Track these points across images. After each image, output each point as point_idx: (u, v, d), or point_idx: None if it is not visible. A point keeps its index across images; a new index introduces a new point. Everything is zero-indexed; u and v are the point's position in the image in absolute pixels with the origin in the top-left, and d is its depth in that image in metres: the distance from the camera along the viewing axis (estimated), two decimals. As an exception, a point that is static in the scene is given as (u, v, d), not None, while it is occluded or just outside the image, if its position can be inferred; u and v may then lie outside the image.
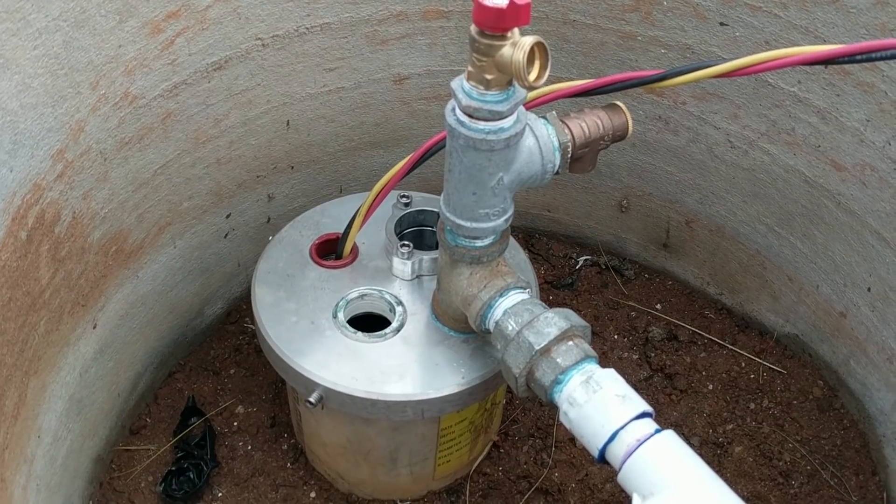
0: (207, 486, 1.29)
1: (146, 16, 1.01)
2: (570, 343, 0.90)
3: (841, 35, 1.11)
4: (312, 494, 1.30)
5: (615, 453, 0.83)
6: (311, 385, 1.03)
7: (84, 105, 0.98)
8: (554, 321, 0.90)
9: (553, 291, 1.60)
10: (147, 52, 1.04)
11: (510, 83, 0.81)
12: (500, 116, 0.82)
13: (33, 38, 0.86)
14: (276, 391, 1.42)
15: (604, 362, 0.92)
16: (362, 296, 1.12)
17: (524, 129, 0.86)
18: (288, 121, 1.32)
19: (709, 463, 0.82)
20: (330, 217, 1.22)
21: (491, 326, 0.97)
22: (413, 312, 1.11)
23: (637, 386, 1.43)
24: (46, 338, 1.05)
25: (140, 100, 1.07)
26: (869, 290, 1.29)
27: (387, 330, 1.08)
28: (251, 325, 1.51)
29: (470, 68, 0.80)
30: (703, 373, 1.47)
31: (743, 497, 0.79)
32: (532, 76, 0.77)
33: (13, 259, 0.93)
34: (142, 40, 1.02)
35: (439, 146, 0.99)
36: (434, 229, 1.21)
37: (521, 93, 0.83)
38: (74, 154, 1.00)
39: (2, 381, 0.95)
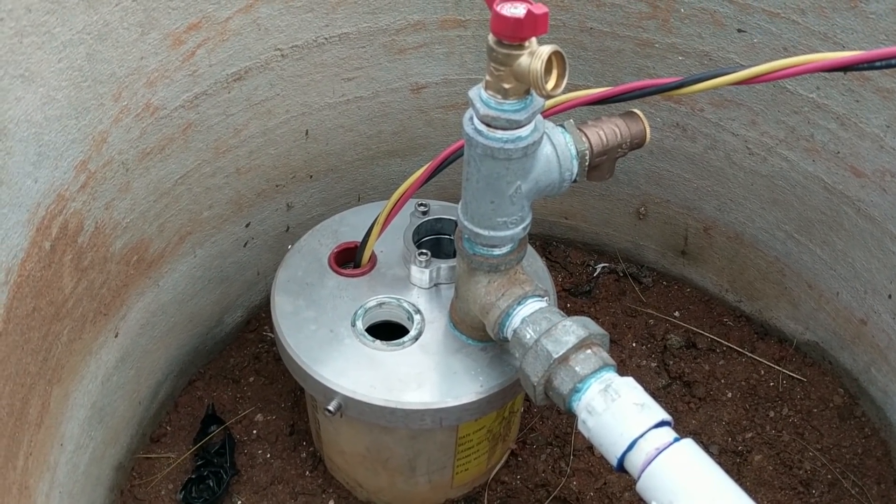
0: (227, 494, 1.30)
1: (168, 28, 1.02)
2: (589, 351, 0.90)
3: (860, 41, 1.11)
4: (331, 502, 1.31)
5: (634, 462, 0.83)
6: (329, 393, 1.04)
7: (107, 116, 0.99)
8: (572, 329, 0.90)
9: (571, 299, 1.60)
10: (168, 63, 1.05)
11: (528, 92, 0.82)
12: (518, 125, 0.83)
13: (58, 52, 0.87)
14: (295, 399, 1.43)
15: (622, 370, 0.92)
16: (380, 304, 1.13)
17: (542, 137, 0.87)
18: (307, 130, 1.33)
19: (728, 472, 0.82)
20: (348, 226, 1.23)
21: (509, 335, 0.97)
22: (431, 321, 1.11)
23: (655, 394, 1.43)
24: (69, 346, 1.06)
25: (161, 111, 1.08)
26: (890, 297, 1.28)
27: (405, 338, 1.09)
28: (270, 334, 1.52)
29: (488, 77, 0.81)
30: (722, 381, 1.47)
31: (763, 506, 0.79)
32: (550, 85, 0.77)
33: (37, 269, 0.94)
34: (163, 52, 1.03)
35: (457, 155, 0.99)
36: (452, 237, 1.21)
37: (538, 101, 0.83)
38: (97, 165, 1.01)
39: (26, 389, 0.96)
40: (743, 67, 0.83)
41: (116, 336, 1.19)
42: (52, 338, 1.01)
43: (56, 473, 1.07)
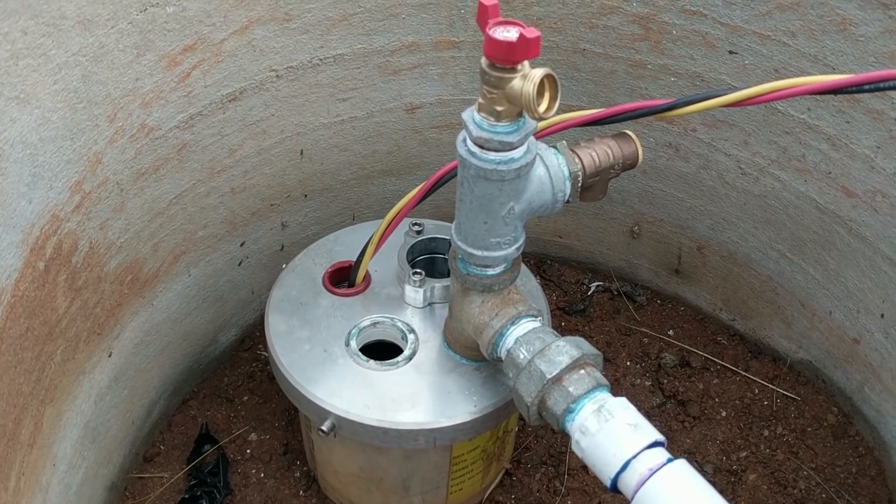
0: (220, 513, 1.30)
1: (163, 49, 1.03)
2: (582, 371, 0.90)
3: (850, 63, 1.12)
4: (325, 522, 1.30)
5: (627, 483, 0.83)
6: (323, 413, 1.04)
7: (102, 137, 1.00)
8: (565, 350, 0.90)
9: (565, 318, 1.60)
10: (164, 84, 1.06)
11: (521, 114, 0.82)
12: (511, 147, 0.83)
13: (53, 74, 0.88)
14: (288, 418, 1.42)
15: (616, 389, 0.92)
16: (374, 323, 1.13)
17: (535, 159, 0.87)
18: (301, 150, 1.34)
19: (722, 491, 0.82)
20: (343, 245, 1.23)
21: (503, 355, 0.97)
22: (425, 340, 1.11)
23: (650, 413, 1.43)
24: (62, 366, 1.06)
25: (156, 131, 1.09)
26: (882, 316, 1.29)
27: (399, 358, 1.09)
28: (264, 353, 1.52)
29: (480, 100, 0.81)
30: (717, 399, 1.47)
31: (757, 527, 0.79)
32: (542, 107, 0.78)
33: (31, 289, 0.94)
34: (158, 73, 1.04)
35: (451, 175, 1.00)
36: (446, 256, 1.21)
37: (531, 124, 0.84)
38: (92, 185, 1.02)
39: (18, 409, 0.96)
40: (735, 89, 0.83)
41: (110, 356, 1.19)
42: (45, 358, 1.01)
43: (48, 494, 1.06)
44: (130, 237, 1.13)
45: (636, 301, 1.63)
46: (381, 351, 1.12)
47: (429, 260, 1.23)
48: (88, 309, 1.09)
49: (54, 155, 0.93)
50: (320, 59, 1.24)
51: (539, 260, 1.70)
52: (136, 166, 1.08)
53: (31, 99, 0.86)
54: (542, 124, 0.94)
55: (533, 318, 0.98)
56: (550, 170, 0.90)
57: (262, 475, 1.35)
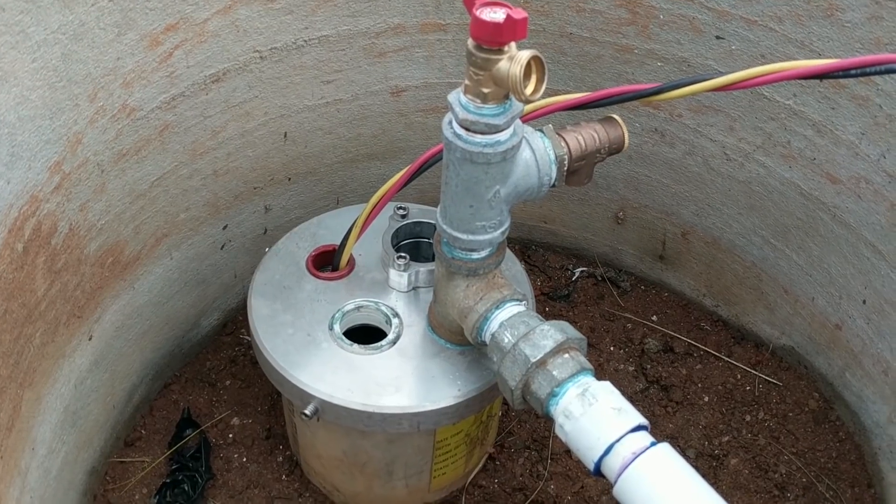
0: (202, 498, 1.29)
1: (145, 28, 1.01)
2: (566, 356, 0.90)
3: (836, 49, 1.12)
4: (308, 507, 1.30)
5: (611, 466, 0.83)
6: (306, 397, 1.03)
7: (82, 117, 0.98)
8: (550, 334, 0.90)
9: (549, 303, 1.60)
10: (145, 64, 1.04)
11: (507, 97, 0.82)
12: (497, 130, 0.82)
13: (32, 51, 0.86)
14: (271, 403, 1.42)
15: (600, 374, 0.92)
16: (358, 308, 1.12)
17: (521, 142, 0.87)
18: (285, 133, 1.32)
19: (704, 475, 0.82)
20: (327, 228, 1.22)
21: (487, 339, 0.97)
22: (409, 324, 1.11)
23: (633, 398, 1.43)
24: (42, 349, 1.05)
25: (138, 112, 1.07)
26: (864, 302, 1.30)
27: (383, 342, 1.08)
28: (247, 337, 1.51)
29: (467, 82, 0.81)
30: (699, 385, 1.48)
31: (739, 510, 0.79)
32: (528, 90, 0.77)
33: (9, 271, 0.93)
34: (140, 53, 1.02)
35: (436, 158, 0.99)
36: (431, 241, 1.21)
37: (517, 106, 0.83)
38: (72, 166, 1.00)
39: (-3, 392, 0.95)
40: (721, 74, 0.83)
41: (90, 339, 1.18)
42: (23, 340, 1.00)
43: (27, 478, 1.05)
44: (111, 219, 1.12)
45: (620, 287, 1.64)
46: (365, 335, 1.11)
47: (413, 244, 1.23)
48: (68, 291, 1.08)
49: (33, 134, 0.91)
50: (305, 41, 1.23)
51: (524, 245, 1.70)
52: (117, 147, 1.07)
53: (8, 77, 0.84)
54: (528, 107, 0.93)
55: (518, 303, 0.98)
56: (536, 153, 0.90)
57: (245, 459, 1.35)
